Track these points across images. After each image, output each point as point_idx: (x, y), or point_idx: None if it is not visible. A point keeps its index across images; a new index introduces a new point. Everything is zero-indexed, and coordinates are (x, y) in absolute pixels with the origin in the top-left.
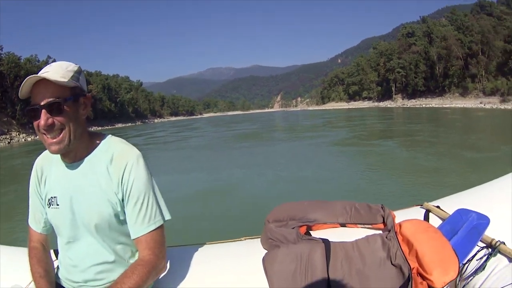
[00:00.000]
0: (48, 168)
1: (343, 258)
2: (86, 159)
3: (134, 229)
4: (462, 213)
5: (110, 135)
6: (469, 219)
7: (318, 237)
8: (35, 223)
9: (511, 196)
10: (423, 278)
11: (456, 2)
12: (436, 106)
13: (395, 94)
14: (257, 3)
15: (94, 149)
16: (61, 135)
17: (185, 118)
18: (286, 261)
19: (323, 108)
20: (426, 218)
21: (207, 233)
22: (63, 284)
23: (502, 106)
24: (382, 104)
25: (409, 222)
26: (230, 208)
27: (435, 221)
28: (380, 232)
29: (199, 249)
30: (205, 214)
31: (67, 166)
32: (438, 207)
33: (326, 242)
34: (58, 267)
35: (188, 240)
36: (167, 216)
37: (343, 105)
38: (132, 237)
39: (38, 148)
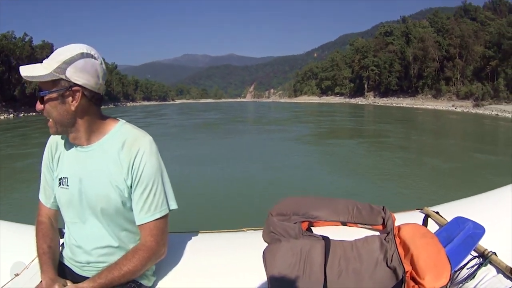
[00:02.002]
0: (61, 147)
1: (341, 256)
2: (98, 144)
3: (140, 216)
4: (460, 221)
5: (124, 122)
6: (465, 228)
7: (319, 234)
8: (45, 197)
9: (507, 208)
10: (416, 282)
11: (442, 4)
12: (407, 106)
13: (367, 92)
14: None
15: (106, 134)
16: (50, 122)
17: (157, 103)
18: (287, 255)
19: (294, 101)
20: (425, 222)
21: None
22: (66, 263)
23: (474, 111)
24: (353, 100)
25: (408, 226)
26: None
27: (433, 226)
28: (379, 233)
29: (200, 236)
30: None
31: (79, 149)
32: (437, 212)
33: (326, 239)
34: (63, 245)
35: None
36: (173, 206)
37: (315, 99)
38: (137, 223)
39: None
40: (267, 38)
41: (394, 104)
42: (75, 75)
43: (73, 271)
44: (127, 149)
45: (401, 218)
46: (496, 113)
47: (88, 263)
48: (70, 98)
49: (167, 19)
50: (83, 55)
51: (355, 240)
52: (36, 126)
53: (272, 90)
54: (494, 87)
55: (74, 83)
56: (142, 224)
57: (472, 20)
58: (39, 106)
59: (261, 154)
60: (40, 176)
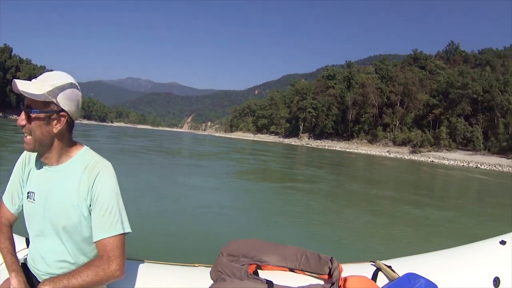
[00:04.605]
0: (33, 163)
1: None
2: (64, 165)
3: (96, 232)
4: (411, 277)
5: (87, 148)
6: (416, 285)
7: (264, 278)
8: (11, 203)
9: (462, 268)
10: None
11: (393, 51)
12: (340, 149)
13: (302, 133)
14: (186, 24)
15: (72, 158)
16: (28, 138)
17: (96, 123)
18: None
19: (229, 136)
20: (375, 276)
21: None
22: (30, 269)
23: (408, 157)
24: (287, 140)
25: (355, 279)
26: None
27: (383, 280)
28: (323, 283)
29: (151, 266)
30: None
31: (47, 169)
32: (390, 267)
33: (270, 284)
34: (27, 254)
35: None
36: (128, 229)
37: (249, 136)
38: (94, 239)
39: None
40: (211, 70)
41: (326, 147)
42: (63, 101)
43: (36, 277)
44: (88, 172)
45: (351, 269)
46: (432, 160)
47: (48, 273)
48: (55, 121)
49: (115, 40)
50: (72, 85)
51: (299, 287)
52: None
53: (209, 123)
54: (436, 135)
55: (62, 109)
56: (98, 241)
57: (421, 69)
58: (22, 121)
59: (160, 191)
60: (7, 180)
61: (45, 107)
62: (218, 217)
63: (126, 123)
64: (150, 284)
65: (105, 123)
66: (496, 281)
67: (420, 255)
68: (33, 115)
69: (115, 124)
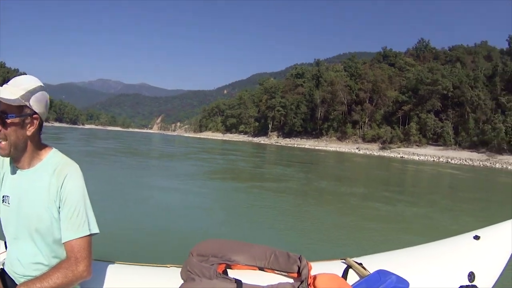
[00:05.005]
0: (6, 167)
1: None
2: (35, 168)
3: (65, 234)
4: (382, 274)
5: (56, 150)
6: (387, 281)
7: (233, 277)
8: None
9: (433, 263)
10: None
11: (363, 49)
12: (309, 147)
13: (271, 132)
14: (155, 24)
15: (42, 160)
16: (3, 144)
17: (68, 125)
18: None
19: (199, 136)
20: (345, 273)
21: None
22: (8, 272)
23: (378, 153)
24: (256, 139)
25: (324, 276)
26: None
27: (354, 277)
28: (293, 281)
29: (123, 267)
30: None
31: (19, 172)
32: (361, 264)
33: (238, 283)
34: (5, 258)
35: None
36: (95, 230)
37: (219, 136)
38: (62, 240)
39: None
40: (180, 71)
41: (296, 145)
42: (35, 104)
43: (13, 280)
44: (57, 175)
45: (322, 267)
46: (401, 156)
47: (25, 276)
48: (29, 124)
49: (86, 41)
50: (41, 88)
51: (268, 285)
52: None
53: (178, 124)
54: (405, 131)
55: (35, 111)
56: (66, 242)
57: (390, 66)
58: None
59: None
60: None
61: (19, 112)
62: (189, 218)
63: (97, 125)
64: (121, 285)
65: (76, 126)
66: (471, 276)
67: (393, 251)
68: (8, 121)
69: (86, 126)
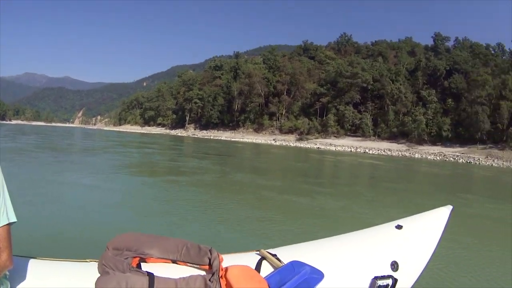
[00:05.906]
0: None
1: None
2: None
3: None
4: (296, 265)
5: None
6: (301, 272)
7: (146, 270)
8: None
9: (348, 254)
10: None
11: (284, 42)
12: (226, 138)
13: (188, 124)
14: (77, 15)
15: None
16: None
17: None
18: None
19: (118, 129)
20: (259, 265)
21: None
22: None
23: (294, 144)
24: (173, 132)
25: (235, 268)
26: None
27: (268, 269)
28: (204, 273)
29: (42, 263)
30: None
31: None
32: (275, 255)
33: (151, 276)
34: None
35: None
36: (13, 218)
37: (137, 128)
38: None
39: None
40: (100, 63)
41: (212, 137)
42: None
43: None
44: None
45: (235, 259)
46: (318, 146)
47: None
48: None
49: (14, 33)
50: None
51: (179, 278)
52: None
53: (99, 117)
54: (323, 122)
55: None
56: None
57: (310, 59)
58: None
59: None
60: None
61: None
62: (105, 213)
63: (22, 120)
64: (41, 280)
65: (3, 121)
66: (394, 265)
67: (311, 242)
68: None
69: (13, 122)
